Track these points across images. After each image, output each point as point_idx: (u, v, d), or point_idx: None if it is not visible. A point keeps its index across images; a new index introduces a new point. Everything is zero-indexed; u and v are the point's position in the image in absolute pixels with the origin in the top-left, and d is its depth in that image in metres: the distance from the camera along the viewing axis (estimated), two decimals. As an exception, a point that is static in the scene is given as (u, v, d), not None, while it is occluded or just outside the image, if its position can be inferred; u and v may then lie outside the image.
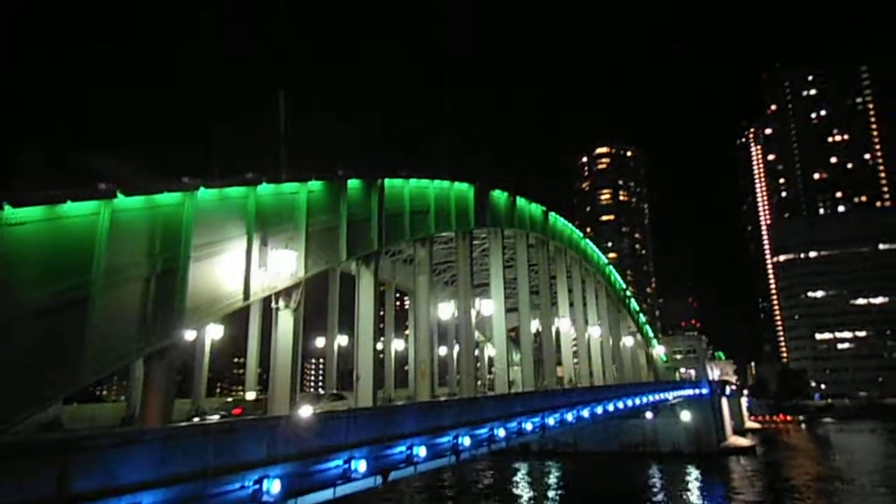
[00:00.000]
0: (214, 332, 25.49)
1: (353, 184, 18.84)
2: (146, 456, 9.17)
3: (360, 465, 12.98)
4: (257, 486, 10.51)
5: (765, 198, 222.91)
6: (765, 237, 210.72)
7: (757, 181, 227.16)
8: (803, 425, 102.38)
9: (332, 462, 12.64)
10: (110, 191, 11.31)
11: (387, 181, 20.44)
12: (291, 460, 11.44)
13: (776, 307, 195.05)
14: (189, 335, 17.32)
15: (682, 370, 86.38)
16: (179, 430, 10.62)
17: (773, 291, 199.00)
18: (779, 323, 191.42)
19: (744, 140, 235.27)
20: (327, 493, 13.10)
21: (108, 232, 11.19)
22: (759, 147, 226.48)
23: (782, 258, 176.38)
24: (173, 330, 12.49)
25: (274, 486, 10.60)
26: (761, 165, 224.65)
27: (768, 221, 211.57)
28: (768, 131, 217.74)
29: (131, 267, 11.90)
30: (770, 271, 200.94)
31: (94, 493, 8.23)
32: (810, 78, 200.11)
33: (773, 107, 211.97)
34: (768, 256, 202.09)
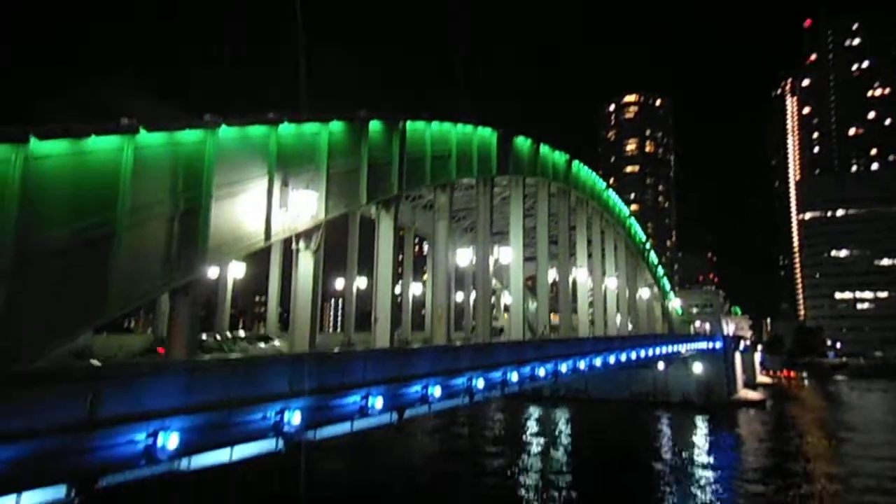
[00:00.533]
0: (237, 270, 26.02)
1: (375, 126, 18.60)
2: (173, 385, 9.56)
3: (377, 402, 13.40)
4: (279, 417, 10.95)
5: (796, 153, 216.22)
6: (792, 193, 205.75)
7: (790, 135, 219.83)
8: (806, 381, 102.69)
9: (350, 398, 13.07)
10: (133, 126, 11.30)
11: (409, 124, 20.12)
12: (312, 394, 11.84)
13: (797, 265, 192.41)
14: (212, 272, 17.69)
15: (698, 324, 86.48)
16: (205, 363, 11.01)
17: (796, 249, 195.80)
18: (799, 281, 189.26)
19: (779, 91, 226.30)
20: (345, 427, 13.62)
21: (131, 169, 11.25)
22: (794, 99, 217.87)
23: (808, 215, 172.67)
24: (196, 267, 12.72)
25: (295, 418, 11.04)
26: (795, 118, 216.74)
27: (797, 177, 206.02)
28: (806, 82, 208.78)
29: (155, 205, 12.03)
30: (794, 228, 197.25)
31: (122, 417, 8.66)
32: (855, 27, 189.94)
33: (813, 56, 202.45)
34: (794, 213, 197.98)
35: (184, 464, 10.24)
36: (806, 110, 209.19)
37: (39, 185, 9.68)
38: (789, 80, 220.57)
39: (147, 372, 9.77)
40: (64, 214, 10.23)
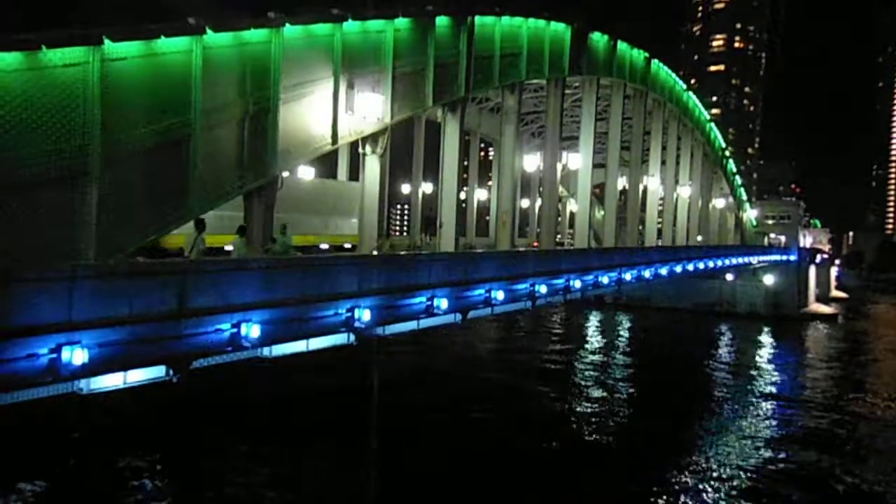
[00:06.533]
0: (306, 174, 26.58)
1: (442, 21, 17.74)
2: (252, 282, 10.16)
3: (442, 303, 13.86)
4: (349, 314, 11.55)
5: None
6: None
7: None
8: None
9: (417, 298, 13.55)
10: (200, 26, 11.27)
11: (477, 19, 19.08)
12: (380, 294, 12.35)
13: (892, 174, 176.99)
14: (283, 176, 18.13)
15: (773, 235, 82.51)
16: (279, 262, 11.58)
17: (894, 156, 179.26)
18: (891, 191, 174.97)
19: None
20: (411, 325, 14.27)
21: (201, 70, 11.35)
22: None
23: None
24: (267, 170, 13.07)
25: (365, 315, 11.61)
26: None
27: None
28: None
29: (226, 107, 12.22)
30: (895, 133, 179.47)
31: (209, 308, 9.37)
32: None
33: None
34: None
35: (265, 352, 11.08)
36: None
37: (118, 86, 9.94)
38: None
39: (229, 268, 10.39)
40: (143, 116, 10.56)
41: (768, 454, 21.86)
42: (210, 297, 9.41)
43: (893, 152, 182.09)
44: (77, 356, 7.48)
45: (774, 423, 26.67)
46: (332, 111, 14.54)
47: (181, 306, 8.96)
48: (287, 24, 13.06)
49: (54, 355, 7.39)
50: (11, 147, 8.61)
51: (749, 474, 19.70)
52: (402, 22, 16.34)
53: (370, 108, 15.15)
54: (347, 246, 20.90)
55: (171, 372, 9.35)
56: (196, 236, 11.48)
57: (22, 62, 8.62)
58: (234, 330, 9.60)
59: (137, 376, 9.22)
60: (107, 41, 9.62)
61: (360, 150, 16.71)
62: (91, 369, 7.87)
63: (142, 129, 10.54)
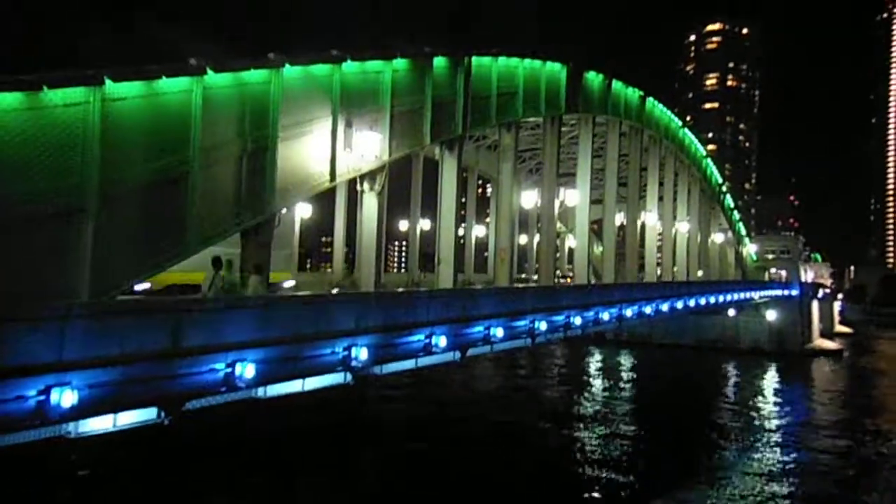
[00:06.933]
0: (304, 211, 26.66)
1: (439, 62, 18.07)
2: (248, 320, 10.03)
3: (441, 341, 13.65)
4: (346, 353, 11.35)
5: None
6: (891, 130, 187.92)
7: (893, 65, 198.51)
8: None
9: (415, 336, 13.36)
10: (200, 67, 11.43)
11: (474, 59, 19.45)
12: (378, 332, 12.17)
13: (890, 208, 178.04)
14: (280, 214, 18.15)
15: (773, 270, 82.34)
16: (276, 299, 11.48)
17: (890, 191, 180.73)
18: (890, 225, 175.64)
19: (885, 15, 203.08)
20: (409, 363, 14.02)
21: (201, 109, 11.46)
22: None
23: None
24: (265, 207, 13.04)
25: (362, 354, 11.42)
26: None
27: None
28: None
29: (224, 145, 12.28)
30: (891, 168, 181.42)
31: (203, 347, 9.20)
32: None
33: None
34: (891, 151, 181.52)
35: (260, 392, 10.86)
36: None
37: (118, 125, 10.01)
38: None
39: (224, 307, 10.27)
40: (142, 154, 10.61)
41: (774, 490, 21.42)
42: (204, 335, 9.27)
43: (889, 187, 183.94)
44: (66, 398, 7.29)
45: (781, 461, 26.04)
46: (331, 149, 14.64)
47: (175, 345, 8.81)
48: (287, 65, 13.26)
49: (42, 397, 7.21)
50: (8, 185, 8.62)
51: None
52: (400, 62, 16.63)
53: (368, 146, 15.27)
54: None
55: (162, 414, 9.14)
56: (214, 274, 11.66)
57: (22, 102, 8.70)
58: (229, 370, 9.42)
59: (128, 419, 9.00)
60: (108, 81, 9.75)
61: (358, 187, 16.81)
62: (80, 411, 7.67)
63: (140, 168, 10.58)
